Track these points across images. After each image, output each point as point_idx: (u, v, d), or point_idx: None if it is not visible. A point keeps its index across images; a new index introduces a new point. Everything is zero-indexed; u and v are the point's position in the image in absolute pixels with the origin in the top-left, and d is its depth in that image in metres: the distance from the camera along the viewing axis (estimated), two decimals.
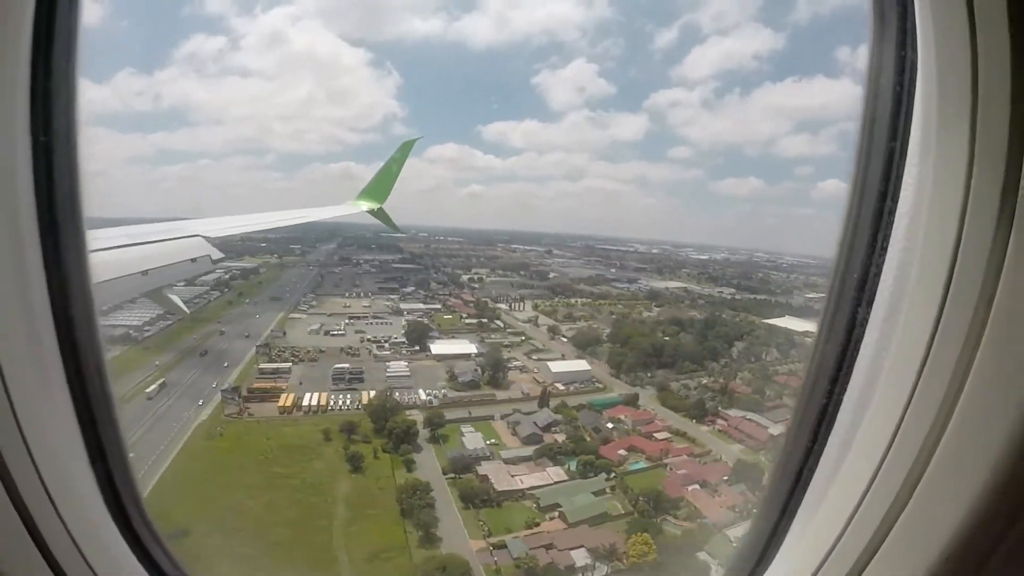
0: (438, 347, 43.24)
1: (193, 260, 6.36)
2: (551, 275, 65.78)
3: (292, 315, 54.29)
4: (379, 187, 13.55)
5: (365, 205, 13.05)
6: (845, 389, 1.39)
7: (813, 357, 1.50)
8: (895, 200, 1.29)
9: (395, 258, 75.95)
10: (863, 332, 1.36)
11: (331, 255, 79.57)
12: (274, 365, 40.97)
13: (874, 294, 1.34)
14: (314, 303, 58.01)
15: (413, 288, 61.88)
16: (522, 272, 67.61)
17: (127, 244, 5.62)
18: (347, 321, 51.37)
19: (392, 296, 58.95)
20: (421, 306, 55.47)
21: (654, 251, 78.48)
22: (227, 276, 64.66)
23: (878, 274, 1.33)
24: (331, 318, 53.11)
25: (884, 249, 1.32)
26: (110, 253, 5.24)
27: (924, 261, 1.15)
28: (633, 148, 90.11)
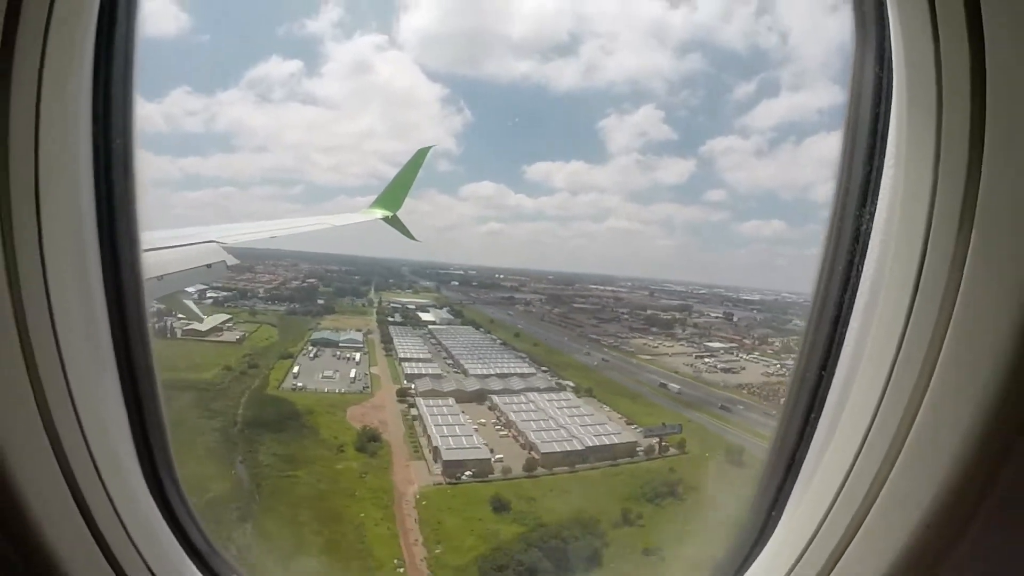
0: None
1: (208, 266, 6.52)
2: (735, 318, 70.39)
3: (640, 358, 52.58)
4: (393, 195, 13.40)
5: (379, 213, 13.10)
6: (832, 375, 1.55)
7: (803, 346, 1.65)
8: (874, 201, 1.43)
9: (541, 298, 74.86)
10: (848, 318, 1.51)
11: (468, 293, 73.07)
12: None
13: (857, 284, 1.49)
14: (624, 347, 56.21)
15: (658, 330, 64.32)
16: (695, 312, 75.95)
17: (143, 249, 7.69)
18: (706, 363, 53.17)
19: (657, 337, 60.98)
20: (720, 345, 60.44)
21: (702, 291, 78.23)
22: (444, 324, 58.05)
23: (860, 267, 1.48)
24: (676, 358, 53.30)
25: (865, 245, 1.46)
26: None
27: (897, 256, 1.27)
28: (671, 190, 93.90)
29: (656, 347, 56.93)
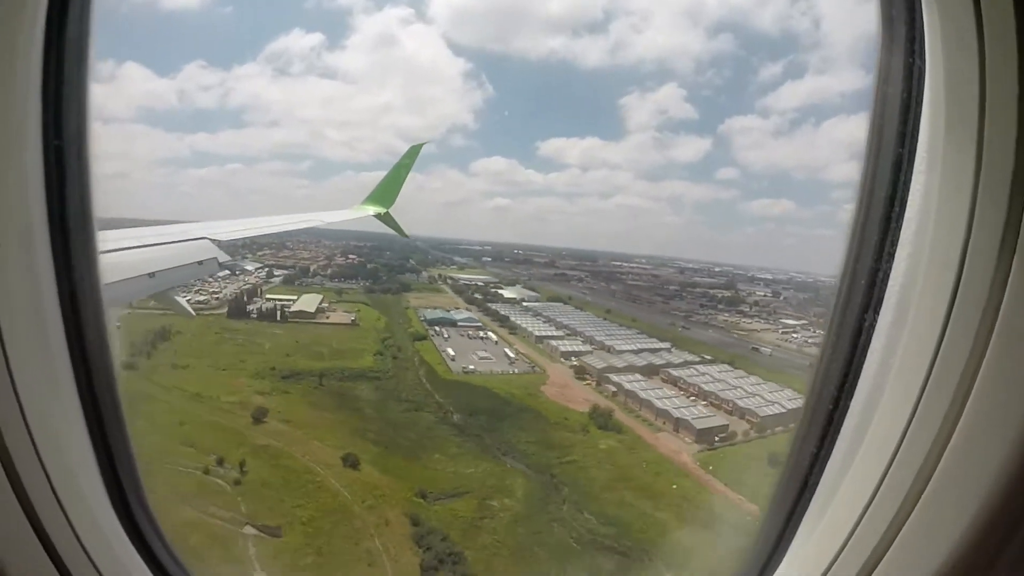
0: None
1: (200, 263, 6.49)
2: (782, 296, 65.72)
3: (738, 332, 56.38)
4: (386, 192, 13.06)
5: (372, 209, 12.57)
6: (853, 392, 1.41)
7: (821, 360, 1.51)
8: (903, 206, 1.30)
9: (586, 275, 76.19)
10: (870, 336, 1.37)
11: (511, 269, 72.80)
12: None
13: (881, 299, 1.35)
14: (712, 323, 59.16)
15: (724, 307, 66.21)
16: (742, 291, 66.69)
17: (134, 246, 5.70)
18: (795, 338, 55.80)
19: (731, 314, 63.38)
20: (794, 322, 56.19)
21: (716, 269, 77.57)
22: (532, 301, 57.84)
23: (885, 279, 1.34)
24: (764, 333, 56.82)
25: (891, 254, 1.33)
26: (116, 255, 5.29)
27: (931, 267, 1.16)
28: (683, 168, 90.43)
29: (738, 323, 59.16)
